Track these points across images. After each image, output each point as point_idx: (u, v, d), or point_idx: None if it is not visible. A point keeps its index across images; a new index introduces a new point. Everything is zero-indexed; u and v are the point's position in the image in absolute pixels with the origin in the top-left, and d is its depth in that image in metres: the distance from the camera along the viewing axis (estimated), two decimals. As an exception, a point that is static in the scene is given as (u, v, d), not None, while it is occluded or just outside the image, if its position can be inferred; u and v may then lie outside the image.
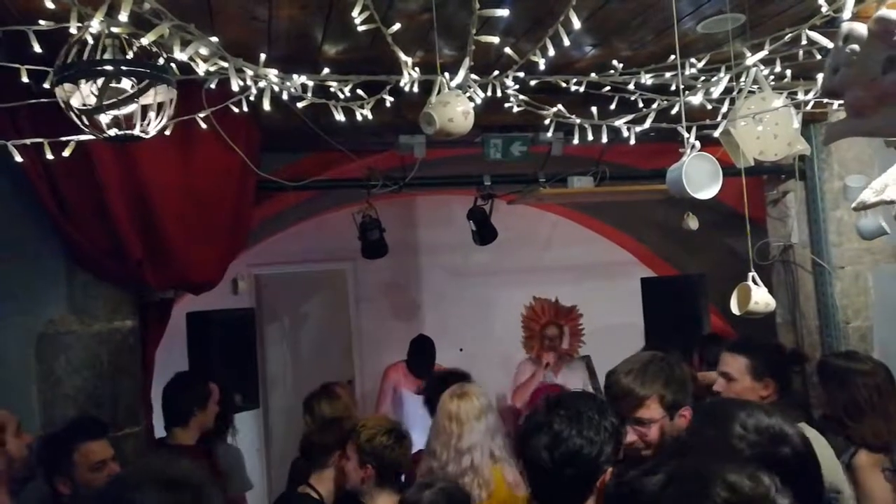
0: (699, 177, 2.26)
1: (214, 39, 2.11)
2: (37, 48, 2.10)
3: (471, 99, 2.39)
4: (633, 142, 3.02)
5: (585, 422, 1.72)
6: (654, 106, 2.96)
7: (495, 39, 2.23)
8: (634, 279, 5.40)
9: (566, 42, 2.26)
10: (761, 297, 2.67)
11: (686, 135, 2.34)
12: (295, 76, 2.56)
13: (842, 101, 1.44)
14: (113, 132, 1.94)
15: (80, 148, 2.36)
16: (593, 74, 3.05)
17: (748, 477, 1.12)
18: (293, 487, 3.00)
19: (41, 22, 2.08)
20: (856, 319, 4.11)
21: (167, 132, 2.23)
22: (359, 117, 2.77)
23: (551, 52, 2.38)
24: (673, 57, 2.72)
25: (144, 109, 1.94)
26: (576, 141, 3.03)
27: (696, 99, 2.78)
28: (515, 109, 2.93)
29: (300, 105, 2.72)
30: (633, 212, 5.95)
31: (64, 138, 2.29)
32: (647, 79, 3.01)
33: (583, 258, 6.39)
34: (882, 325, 4.11)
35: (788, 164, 4.15)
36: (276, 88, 2.51)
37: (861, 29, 1.33)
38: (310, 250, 5.90)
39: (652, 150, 3.93)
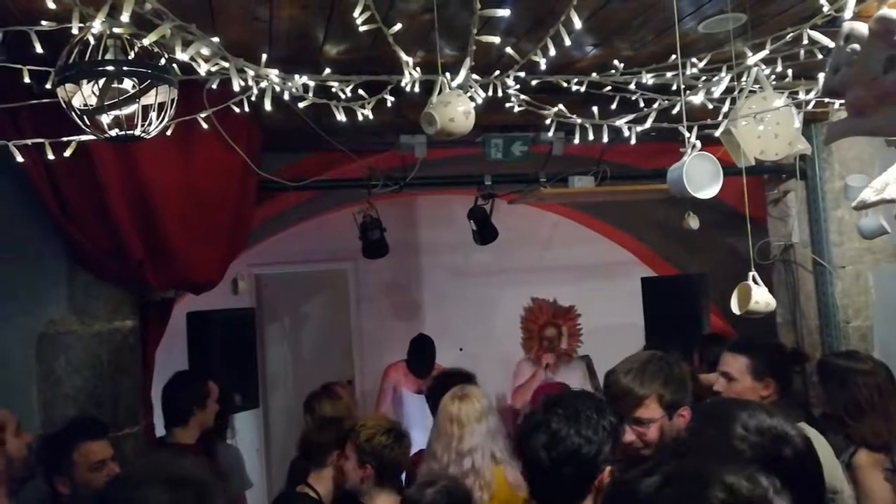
0: (700, 176, 2.26)
1: (216, 40, 2.11)
2: (38, 49, 2.09)
3: (472, 99, 2.39)
4: (633, 141, 3.02)
5: (583, 421, 1.72)
6: (655, 106, 2.95)
7: (496, 39, 2.23)
8: (635, 279, 5.40)
9: (567, 42, 2.26)
10: (762, 297, 2.67)
11: (687, 134, 2.34)
12: (296, 76, 2.56)
13: (843, 101, 1.44)
14: (114, 132, 1.94)
15: (82, 148, 2.36)
16: (594, 74, 3.05)
17: (746, 478, 1.12)
18: (292, 487, 3.00)
19: (43, 22, 2.08)
20: (856, 319, 4.11)
21: (168, 132, 2.24)
22: (360, 117, 2.77)
23: (552, 51, 2.38)
24: (674, 57, 2.72)
25: (146, 110, 1.94)
26: (576, 141, 3.03)
27: (697, 98, 2.78)
28: (516, 109, 2.94)
29: (301, 105, 2.72)
30: (633, 211, 5.95)
31: (65, 138, 2.29)
32: (648, 78, 3.01)
33: (583, 258, 6.39)
34: (882, 325, 4.11)
35: (789, 163, 4.15)
36: (278, 88, 2.51)
37: (862, 28, 1.33)
38: (310, 250, 5.91)
39: (653, 150, 3.93)
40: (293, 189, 3.80)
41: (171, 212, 3.06)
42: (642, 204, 5.22)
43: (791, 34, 2.50)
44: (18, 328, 2.91)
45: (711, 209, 3.90)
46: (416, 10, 2.57)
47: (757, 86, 2.69)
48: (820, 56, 2.64)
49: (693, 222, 4.11)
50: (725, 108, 2.87)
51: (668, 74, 3.00)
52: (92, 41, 1.87)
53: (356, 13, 2.08)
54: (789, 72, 2.87)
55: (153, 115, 1.94)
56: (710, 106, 2.86)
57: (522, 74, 2.68)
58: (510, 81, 2.74)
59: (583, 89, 3.04)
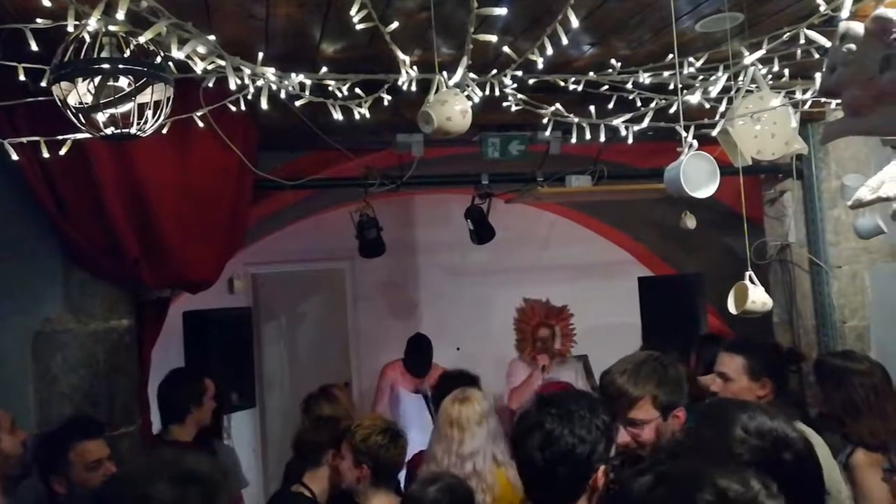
0: (697, 176, 2.26)
1: (212, 38, 2.10)
2: (34, 46, 2.09)
3: (469, 98, 2.39)
4: (630, 141, 3.02)
5: (577, 420, 1.72)
6: (653, 105, 2.96)
7: (493, 38, 2.23)
8: (632, 278, 5.40)
9: (564, 41, 2.26)
10: (758, 297, 2.67)
11: (684, 134, 2.35)
12: (293, 75, 2.56)
13: (839, 101, 1.44)
14: (110, 130, 1.94)
15: (77, 146, 2.36)
16: (591, 73, 3.05)
17: (738, 481, 1.12)
18: (287, 487, 3.00)
19: (38, 20, 2.07)
20: (852, 319, 4.12)
21: (164, 131, 2.24)
22: (357, 116, 2.76)
23: (549, 50, 2.38)
24: (671, 56, 2.72)
25: (141, 108, 1.94)
26: (574, 140, 3.03)
27: (695, 98, 2.79)
28: (513, 108, 2.93)
29: (298, 104, 2.72)
30: (630, 211, 5.95)
31: (60, 137, 2.29)
32: (645, 78, 3.01)
33: (580, 257, 6.39)
34: (879, 325, 4.11)
35: (786, 163, 4.16)
36: (274, 87, 2.50)
37: (858, 28, 1.33)
38: (307, 249, 5.90)
39: (650, 149, 3.94)
40: (290, 188, 3.79)
41: (166, 210, 3.05)
42: (639, 203, 5.22)
43: (788, 33, 2.49)
44: (14, 326, 2.90)
45: (708, 209, 3.90)
46: (413, 8, 2.57)
47: (754, 85, 2.69)
48: (817, 56, 2.64)
49: (690, 222, 4.11)
50: (722, 108, 2.87)
51: (665, 74, 3.00)
52: (87, 39, 1.87)
53: (353, 11, 2.08)
54: (786, 71, 2.87)
55: (149, 113, 1.93)
56: (707, 105, 2.87)
57: (519, 73, 2.68)
58: (507, 80, 2.73)
59: (580, 88, 3.04)
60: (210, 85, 2.51)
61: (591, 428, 1.71)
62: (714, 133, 2.69)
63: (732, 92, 2.82)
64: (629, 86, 3.08)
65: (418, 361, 4.96)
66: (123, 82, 1.91)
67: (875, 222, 3.57)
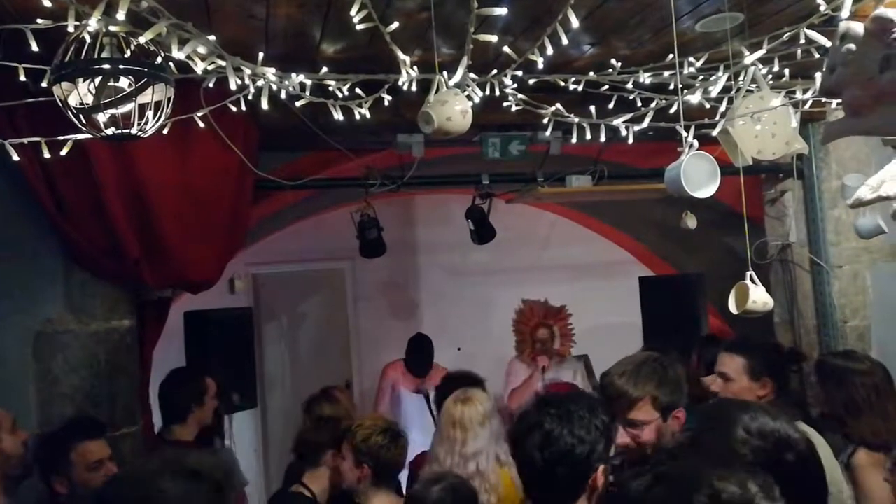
0: (697, 176, 2.26)
1: (212, 38, 2.11)
2: (34, 47, 2.09)
3: (469, 98, 2.39)
4: (631, 141, 3.02)
5: (576, 420, 1.72)
6: (653, 105, 2.95)
7: (493, 38, 2.23)
8: (633, 278, 5.39)
9: (564, 41, 2.26)
10: (759, 297, 2.67)
11: (684, 134, 2.35)
12: (293, 75, 2.56)
13: (840, 101, 1.44)
14: (110, 131, 1.94)
15: (78, 147, 2.36)
16: (592, 73, 3.05)
17: (735, 483, 1.12)
18: (287, 487, 3.00)
19: (39, 20, 2.07)
20: (854, 319, 4.12)
21: (165, 131, 2.23)
22: (357, 116, 2.76)
23: (550, 50, 2.38)
24: (671, 56, 2.72)
25: (142, 108, 1.94)
26: (574, 140, 3.03)
27: (695, 98, 2.79)
28: (514, 108, 2.93)
29: (298, 104, 2.72)
30: (631, 211, 5.95)
31: (61, 137, 2.29)
32: (645, 78, 3.01)
33: (581, 257, 6.38)
34: (880, 325, 4.11)
35: (786, 163, 4.16)
36: (275, 87, 2.50)
37: (858, 28, 1.33)
38: (308, 249, 5.90)
39: (650, 149, 3.93)
40: (290, 188, 3.79)
41: (167, 210, 3.05)
42: (640, 203, 5.22)
43: (788, 33, 2.49)
44: (14, 327, 2.90)
45: (709, 209, 3.90)
46: (413, 8, 2.57)
47: (754, 85, 2.69)
48: (817, 55, 2.64)
49: (690, 222, 4.11)
50: (723, 108, 2.87)
51: (666, 74, 3.00)
52: (88, 39, 1.87)
53: (353, 11, 2.08)
54: (786, 71, 2.87)
55: (149, 113, 1.93)
56: (708, 105, 2.87)
57: (520, 73, 2.68)
58: (507, 80, 2.73)
59: (580, 88, 3.04)
60: (210, 85, 2.51)
61: (591, 428, 1.71)
62: (714, 133, 2.69)
63: (733, 92, 2.82)
64: (629, 86, 3.08)
65: (419, 361, 4.96)
66: (124, 83, 1.91)
67: (876, 222, 3.57)
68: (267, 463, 6.01)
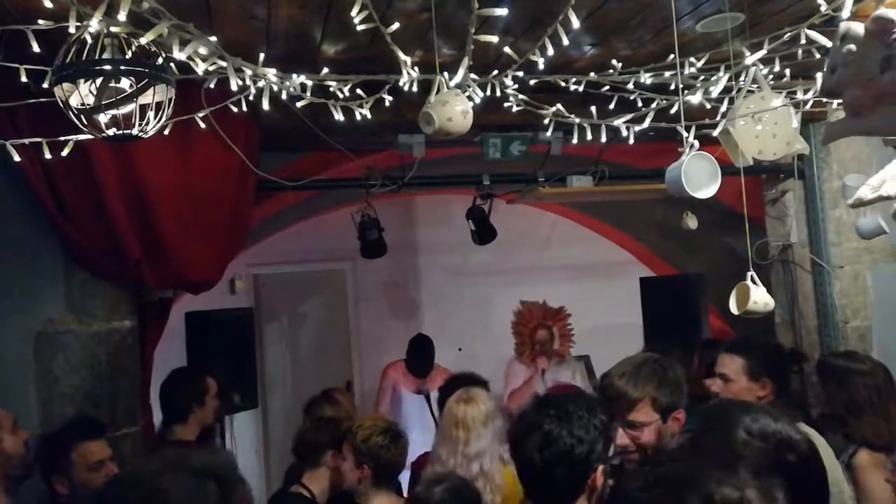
0: (698, 176, 2.26)
1: (213, 39, 2.11)
2: (35, 48, 2.09)
3: (470, 98, 2.39)
4: (632, 141, 3.02)
5: (575, 421, 1.71)
6: (654, 105, 2.96)
7: (494, 39, 2.23)
8: (633, 278, 5.39)
9: (565, 41, 2.26)
10: (760, 297, 2.67)
11: (685, 134, 2.35)
12: (294, 76, 2.56)
13: (840, 101, 1.44)
14: (111, 132, 1.94)
15: (79, 147, 2.36)
16: (592, 74, 3.05)
17: (730, 486, 1.11)
18: (286, 488, 3.00)
19: (40, 21, 2.08)
20: (855, 319, 4.11)
21: (166, 132, 2.24)
22: (358, 117, 2.77)
23: (550, 51, 2.38)
24: (672, 56, 2.73)
25: (143, 109, 1.94)
26: (575, 140, 3.04)
27: (696, 98, 2.79)
28: (514, 109, 2.93)
29: (299, 104, 2.72)
30: (632, 211, 5.95)
31: (62, 138, 2.29)
32: (646, 78, 3.01)
33: (582, 258, 6.38)
34: (881, 325, 4.11)
35: (787, 163, 4.15)
36: (275, 88, 2.51)
37: (858, 28, 1.33)
38: (309, 250, 5.90)
39: (651, 150, 3.93)
40: (291, 189, 3.79)
41: (168, 211, 3.05)
42: (641, 204, 5.22)
43: (789, 34, 2.50)
44: (15, 327, 2.91)
45: (709, 209, 3.90)
46: (414, 9, 2.57)
47: (755, 85, 2.69)
48: (818, 56, 2.64)
49: (691, 222, 4.11)
50: (723, 108, 2.87)
51: (667, 74, 3.00)
52: (89, 40, 1.87)
53: (354, 12, 2.08)
54: (787, 71, 2.87)
55: (150, 114, 1.93)
56: (709, 105, 2.87)
57: (520, 74, 2.68)
58: (508, 81, 2.74)
59: (581, 89, 3.04)
60: (211, 86, 2.52)
61: (590, 428, 1.71)
62: (715, 133, 2.69)
63: (733, 92, 2.82)
64: (630, 86, 3.08)
65: (420, 362, 4.96)
66: (125, 83, 1.91)
67: (877, 222, 3.57)
68: (268, 463, 6.01)
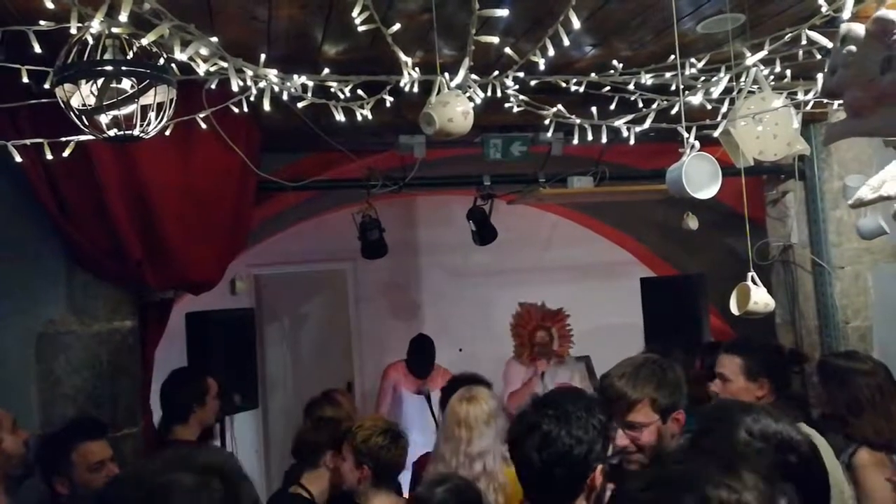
0: (699, 177, 2.26)
1: (214, 39, 2.11)
2: (37, 48, 2.10)
3: (470, 99, 2.39)
4: (632, 142, 3.02)
5: (574, 421, 1.71)
6: (654, 106, 2.96)
7: (495, 39, 2.23)
8: (634, 279, 5.39)
9: (566, 42, 2.26)
10: (760, 297, 2.67)
11: (686, 135, 2.35)
12: (295, 76, 2.56)
13: (841, 102, 1.44)
14: (113, 132, 1.94)
15: (80, 148, 2.37)
16: (593, 74, 3.05)
17: (727, 488, 1.11)
18: (286, 488, 3.00)
19: (41, 22, 2.08)
20: (855, 319, 4.11)
21: (167, 132, 2.24)
22: (359, 117, 2.77)
23: (551, 52, 2.38)
24: (673, 57, 2.73)
25: (144, 109, 1.94)
26: (575, 141, 3.04)
27: (696, 99, 2.79)
28: (515, 109, 2.94)
29: (300, 105, 2.73)
30: (632, 212, 5.95)
31: (64, 138, 2.30)
32: (646, 79, 3.01)
33: (582, 258, 6.39)
34: (882, 325, 4.11)
35: (788, 164, 4.15)
36: (276, 88, 2.51)
37: (859, 29, 1.33)
38: (310, 250, 5.91)
39: (652, 150, 3.93)
40: (292, 189, 3.80)
41: (169, 212, 3.06)
42: (641, 204, 5.22)
43: (790, 34, 2.50)
44: (16, 327, 2.91)
45: (710, 209, 3.89)
46: (415, 10, 2.57)
47: (756, 86, 2.69)
48: (818, 56, 2.64)
49: (692, 223, 4.11)
50: (724, 109, 2.87)
51: (667, 75, 3.00)
52: (90, 41, 1.87)
53: (355, 13, 2.08)
54: (788, 72, 2.87)
55: (152, 115, 1.94)
56: (709, 106, 2.87)
57: (521, 75, 2.69)
58: (509, 82, 2.74)
59: (581, 89, 3.04)
60: (213, 87, 2.52)
61: (588, 428, 1.71)
62: (716, 134, 2.69)
63: (734, 93, 2.82)
64: (631, 87, 3.08)
65: (421, 362, 4.97)
66: (126, 84, 1.91)
67: (877, 223, 3.57)
68: (268, 464, 6.01)
